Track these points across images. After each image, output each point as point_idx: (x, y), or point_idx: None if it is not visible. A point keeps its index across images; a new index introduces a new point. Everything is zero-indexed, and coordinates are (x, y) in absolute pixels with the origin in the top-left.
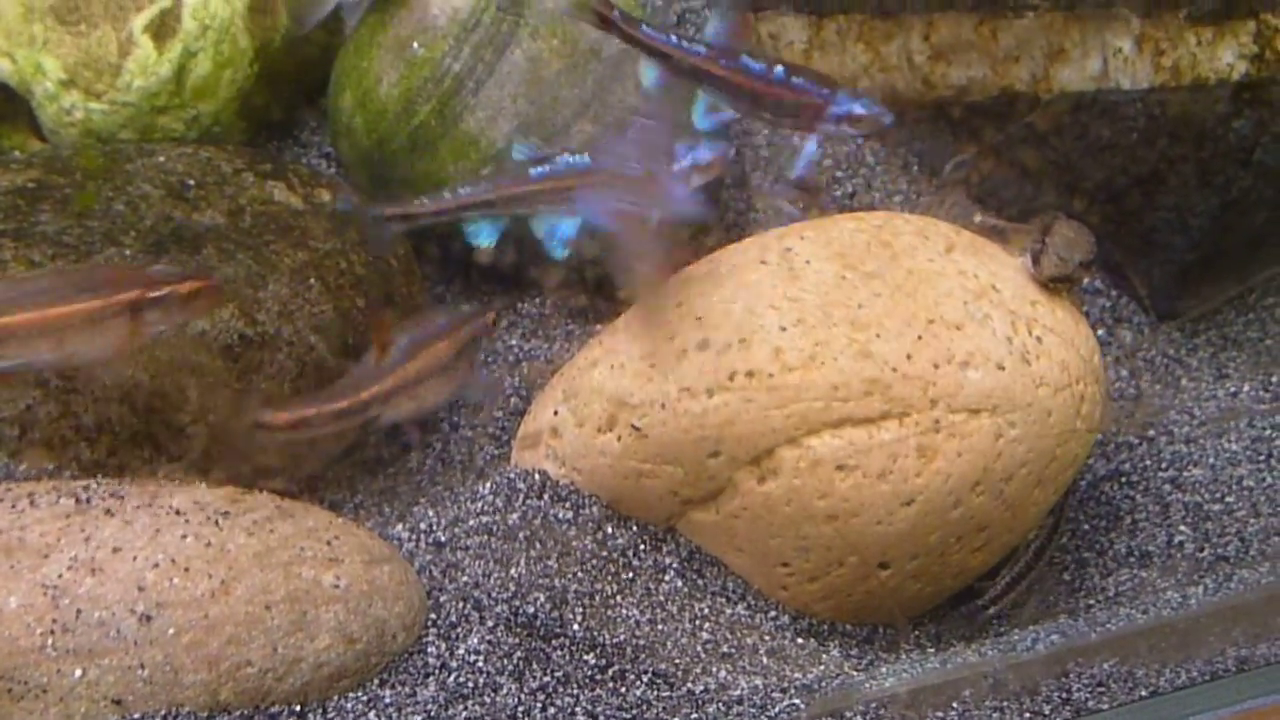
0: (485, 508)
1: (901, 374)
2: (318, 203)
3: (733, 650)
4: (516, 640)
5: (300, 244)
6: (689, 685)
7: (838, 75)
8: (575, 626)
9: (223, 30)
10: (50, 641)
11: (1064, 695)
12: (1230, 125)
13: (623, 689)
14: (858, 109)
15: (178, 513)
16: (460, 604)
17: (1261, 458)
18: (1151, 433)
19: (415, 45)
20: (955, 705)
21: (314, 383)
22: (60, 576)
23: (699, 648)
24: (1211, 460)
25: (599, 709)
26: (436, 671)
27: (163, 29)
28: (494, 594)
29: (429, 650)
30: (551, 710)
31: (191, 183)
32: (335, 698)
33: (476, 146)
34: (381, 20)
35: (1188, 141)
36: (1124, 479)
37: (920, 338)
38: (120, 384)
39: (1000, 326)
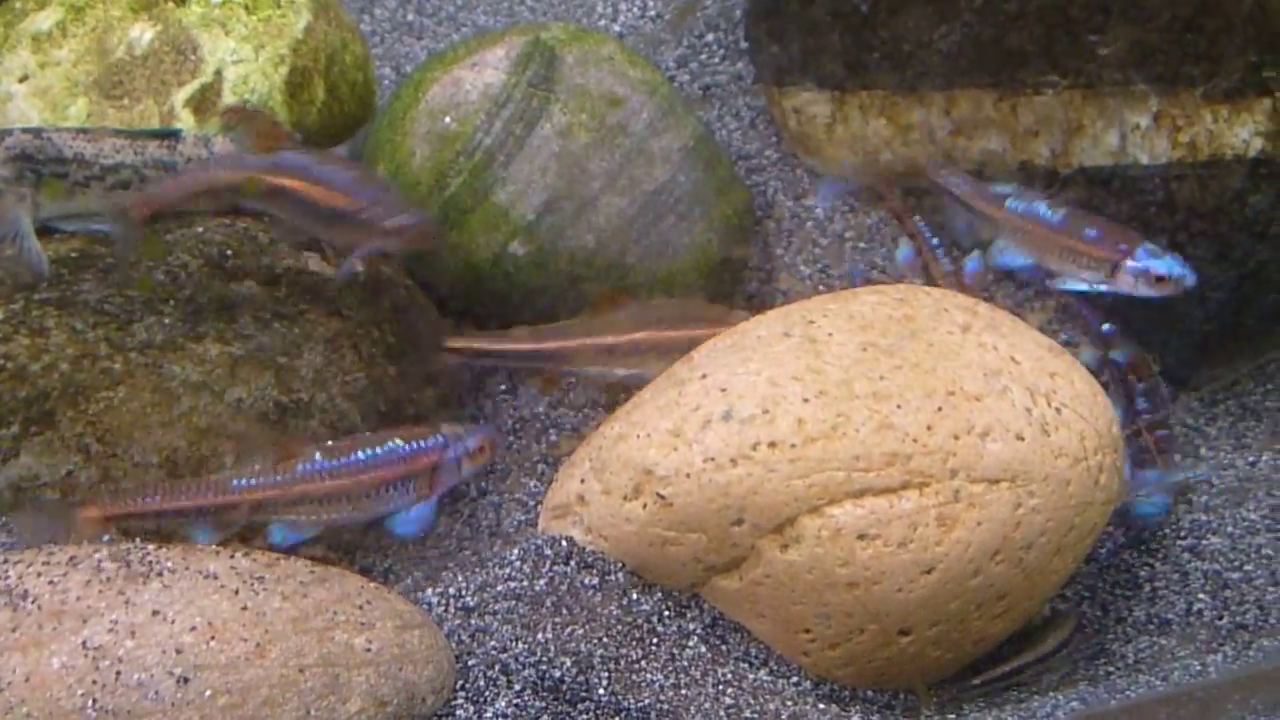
0: (513, 574)
1: (922, 445)
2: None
3: (755, 715)
4: (543, 704)
5: (334, 313)
6: None
7: (860, 149)
8: (601, 691)
9: (261, 104)
10: (90, 703)
11: None
12: (1247, 200)
13: None
14: (1158, 267)
15: (215, 577)
16: (488, 668)
17: None
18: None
19: (447, 120)
20: None
21: None
22: (101, 639)
23: (722, 712)
24: (1230, 529)
25: None
26: None
27: (203, 103)
28: (521, 658)
29: (458, 714)
30: None
31: (230, 253)
32: None
33: (507, 218)
34: (415, 95)
35: (1205, 216)
36: (1143, 547)
37: (940, 409)
38: (159, 449)
39: (1019, 398)
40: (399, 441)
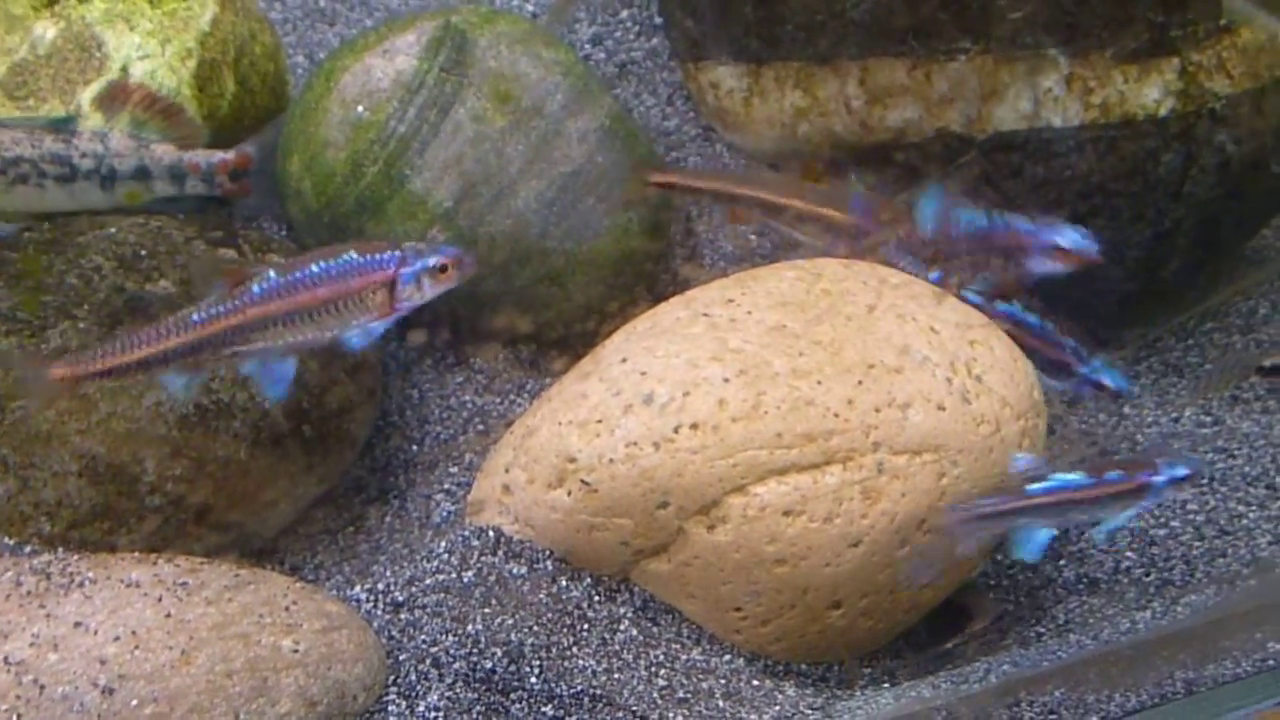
0: (441, 566)
1: (843, 420)
2: None
3: (689, 695)
4: (475, 696)
5: None
6: None
7: (776, 120)
8: (533, 679)
9: (170, 99)
10: (15, 718)
11: None
12: (1160, 159)
13: None
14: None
15: (137, 585)
16: (419, 663)
17: (1204, 482)
18: None
19: (360, 108)
20: None
21: (270, 449)
22: (22, 654)
23: (656, 694)
24: None
25: None
26: None
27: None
28: (452, 651)
29: (390, 709)
30: None
31: (144, 253)
32: None
33: (424, 206)
34: (326, 84)
35: (1120, 177)
36: None
37: (861, 383)
38: (78, 456)
39: (940, 368)
40: (354, 254)
